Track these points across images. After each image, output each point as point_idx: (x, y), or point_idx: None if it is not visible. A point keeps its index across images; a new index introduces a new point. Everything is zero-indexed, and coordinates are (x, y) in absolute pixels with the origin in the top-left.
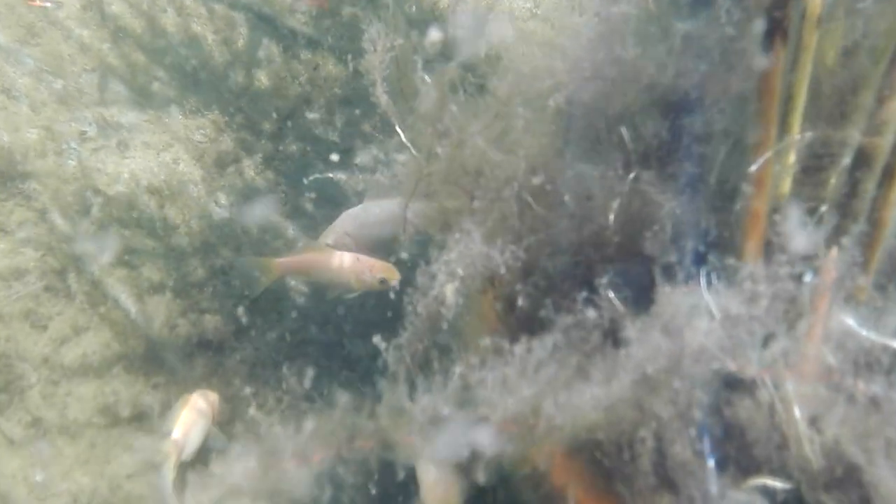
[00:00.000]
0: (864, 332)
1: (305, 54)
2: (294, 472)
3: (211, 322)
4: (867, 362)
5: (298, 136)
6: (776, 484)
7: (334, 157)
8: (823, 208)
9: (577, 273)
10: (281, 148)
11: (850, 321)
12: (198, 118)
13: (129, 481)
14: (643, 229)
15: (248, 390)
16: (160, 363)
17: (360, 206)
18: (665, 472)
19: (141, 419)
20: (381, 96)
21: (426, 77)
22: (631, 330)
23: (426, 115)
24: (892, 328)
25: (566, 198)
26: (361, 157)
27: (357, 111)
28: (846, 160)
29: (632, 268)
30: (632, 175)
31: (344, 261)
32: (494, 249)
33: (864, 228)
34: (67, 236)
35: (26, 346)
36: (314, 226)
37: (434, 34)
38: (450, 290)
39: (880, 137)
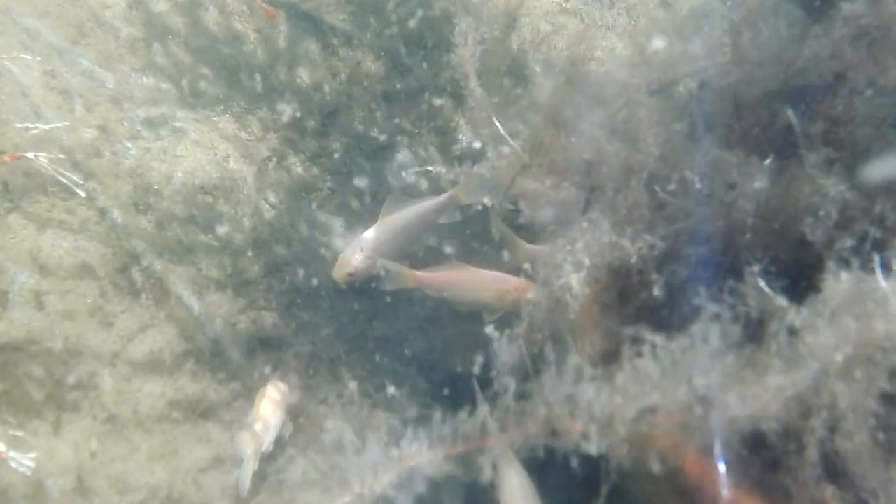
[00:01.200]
0: None
1: (345, 51)
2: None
3: (269, 318)
4: None
5: (342, 133)
6: None
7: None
8: None
9: (723, 262)
10: (325, 145)
11: None
12: (245, 116)
13: (203, 474)
14: (802, 216)
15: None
16: (224, 359)
17: (375, 224)
18: (831, 462)
19: (208, 414)
20: (475, 89)
21: (537, 67)
22: (802, 318)
23: (541, 105)
24: None
25: (703, 186)
26: (403, 155)
27: (398, 107)
28: None
29: (786, 255)
30: (783, 161)
31: (484, 279)
32: (625, 239)
33: None
34: (128, 233)
35: (95, 342)
36: (363, 222)
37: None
38: (575, 280)
39: None
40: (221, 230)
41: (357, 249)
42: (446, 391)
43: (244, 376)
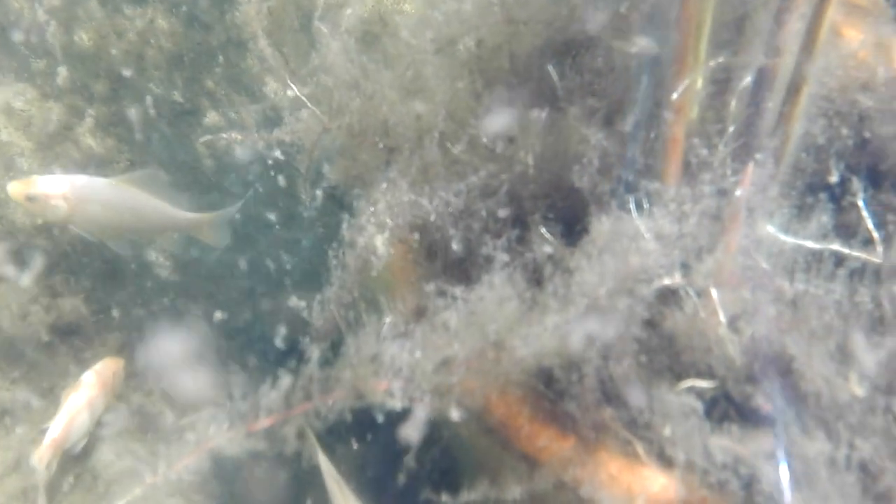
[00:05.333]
0: (782, 237)
1: (132, 9)
2: (274, 430)
3: (67, 305)
4: (787, 263)
5: (136, 98)
6: (704, 384)
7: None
8: (730, 129)
9: (510, 212)
10: (117, 111)
11: (769, 228)
12: (17, 83)
13: (5, 479)
14: (571, 164)
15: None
16: (17, 356)
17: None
18: (609, 387)
19: (3, 416)
20: (266, 49)
21: (323, 28)
22: (574, 259)
23: (328, 67)
24: (803, 231)
25: (488, 140)
26: (210, 118)
27: (198, 68)
28: (748, 82)
29: (562, 203)
30: (554, 113)
31: None
32: (423, 197)
33: (773, 143)
34: None
35: None
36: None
37: None
38: (380, 241)
39: (781, 58)
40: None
41: (60, 183)
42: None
43: (43, 373)
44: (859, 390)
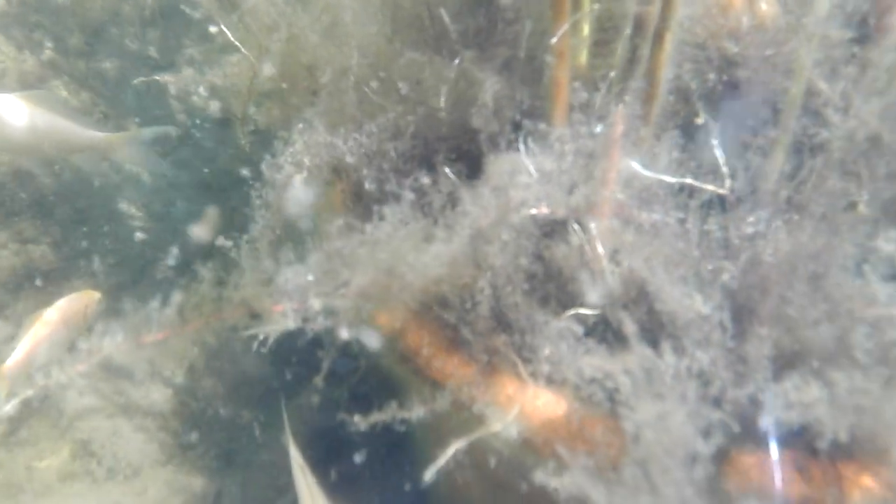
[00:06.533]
0: (645, 172)
1: None
2: (165, 344)
3: (37, 251)
4: (648, 196)
5: (112, 53)
6: (586, 311)
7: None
8: (612, 73)
9: (417, 153)
10: (93, 66)
11: (634, 164)
12: None
13: None
14: (469, 107)
15: None
16: None
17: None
18: (500, 314)
19: None
20: None
21: None
22: (464, 195)
23: (252, 10)
24: (663, 166)
25: (399, 84)
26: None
27: (174, 23)
28: (627, 29)
29: (466, 144)
30: (457, 59)
31: None
32: (338, 138)
33: (642, 86)
34: None
35: None
36: None
37: None
38: (298, 180)
39: (651, 6)
40: None
41: None
42: None
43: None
44: (703, 309)
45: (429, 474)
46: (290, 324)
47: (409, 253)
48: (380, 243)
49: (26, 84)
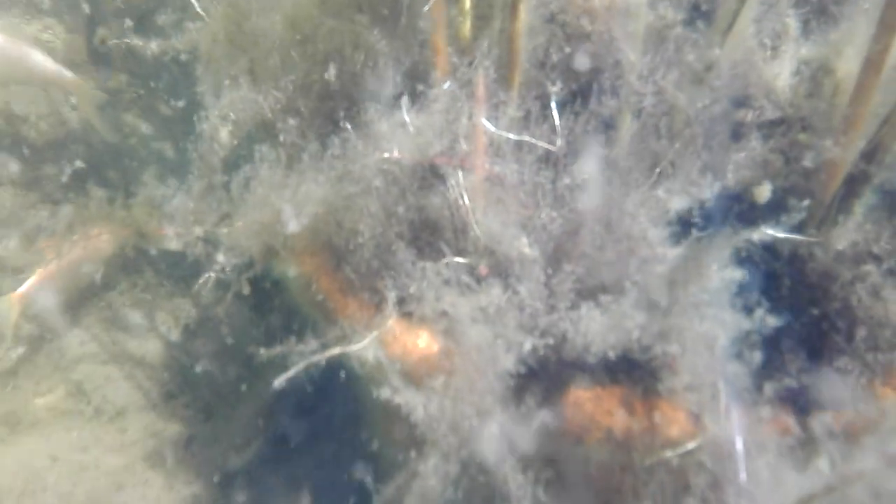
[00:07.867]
0: (495, 130)
1: None
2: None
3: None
4: (498, 151)
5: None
6: (459, 260)
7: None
8: (484, 43)
9: (324, 111)
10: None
11: (487, 123)
12: (45, 18)
13: None
14: (363, 68)
15: None
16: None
17: None
18: (381, 255)
19: None
20: None
21: None
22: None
23: None
24: (505, 125)
25: (310, 48)
26: None
27: None
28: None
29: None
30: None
31: None
32: (259, 94)
33: (501, 54)
34: None
35: None
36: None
37: None
38: (224, 132)
39: None
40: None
41: None
42: None
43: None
44: (528, 251)
45: (278, 382)
46: (173, 245)
47: (282, 190)
48: (257, 181)
49: (72, 63)
